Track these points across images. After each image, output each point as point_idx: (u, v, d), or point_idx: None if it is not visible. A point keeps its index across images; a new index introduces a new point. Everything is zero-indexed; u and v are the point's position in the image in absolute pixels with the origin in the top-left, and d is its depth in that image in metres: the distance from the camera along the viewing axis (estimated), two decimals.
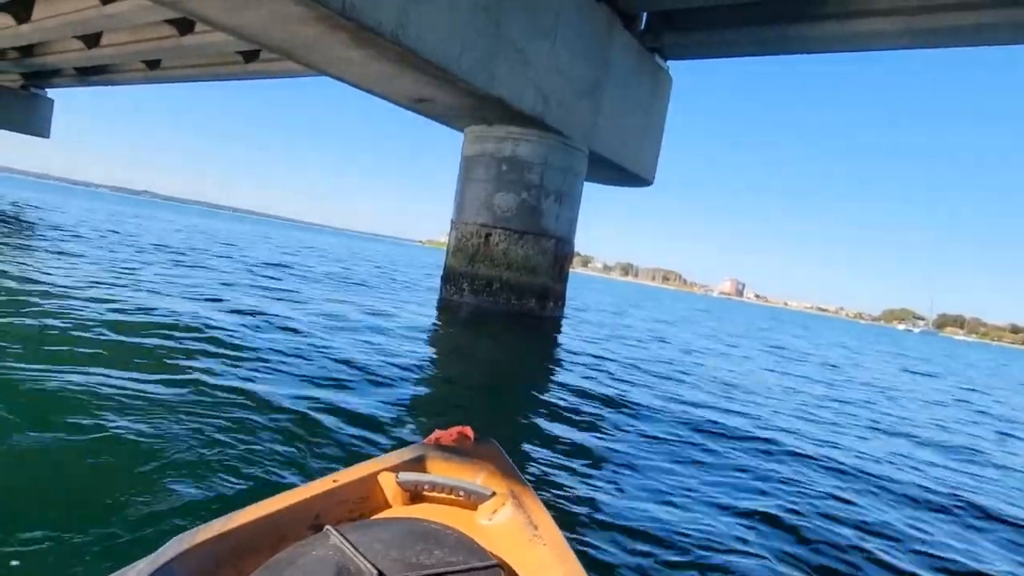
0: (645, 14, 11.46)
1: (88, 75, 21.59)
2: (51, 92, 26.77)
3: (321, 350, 5.32)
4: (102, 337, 4.41)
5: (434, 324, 9.06)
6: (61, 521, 1.96)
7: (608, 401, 5.17)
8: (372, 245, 74.39)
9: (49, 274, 6.87)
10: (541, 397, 5.03)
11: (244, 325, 5.86)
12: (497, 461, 1.70)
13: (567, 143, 10.40)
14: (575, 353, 7.81)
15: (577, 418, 4.43)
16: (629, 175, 12.51)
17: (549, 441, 3.73)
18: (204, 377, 3.78)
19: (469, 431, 1.85)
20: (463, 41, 7.69)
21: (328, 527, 1.21)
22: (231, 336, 5.24)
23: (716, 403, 5.82)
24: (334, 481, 1.50)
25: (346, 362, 5.00)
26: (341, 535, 1.17)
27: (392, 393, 4.30)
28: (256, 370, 4.26)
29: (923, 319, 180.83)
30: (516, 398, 5.14)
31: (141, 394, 3.24)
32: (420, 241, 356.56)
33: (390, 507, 1.54)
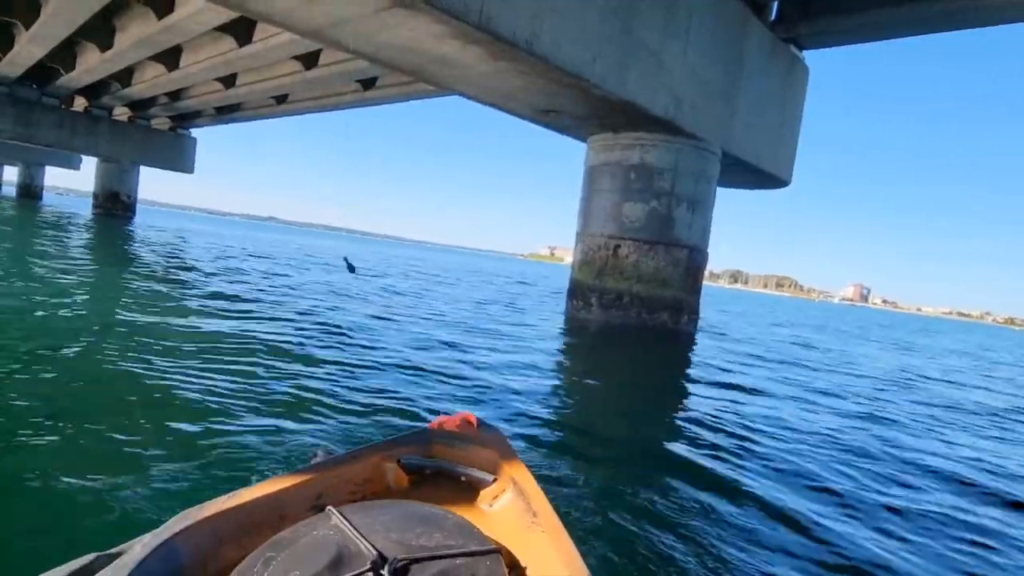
0: (776, 2, 10.58)
1: (225, 113, 23.56)
2: (194, 131, 29.53)
3: (456, 363, 5.36)
4: None
5: (561, 338, 8.72)
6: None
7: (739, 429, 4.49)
8: (483, 262, 75.96)
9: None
10: (665, 419, 4.70)
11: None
12: (499, 447, 1.68)
13: (699, 146, 9.72)
14: (713, 368, 7.20)
15: (706, 452, 3.76)
16: (765, 176, 11.57)
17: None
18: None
19: (472, 417, 1.82)
20: (596, 47, 7.32)
21: (329, 507, 1.21)
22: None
23: None
24: (337, 463, 1.49)
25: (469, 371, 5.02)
26: (342, 515, 1.17)
27: (515, 408, 4.17)
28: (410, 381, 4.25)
29: None
30: (638, 419, 4.77)
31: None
32: (522, 255, 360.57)
33: (392, 490, 1.53)
